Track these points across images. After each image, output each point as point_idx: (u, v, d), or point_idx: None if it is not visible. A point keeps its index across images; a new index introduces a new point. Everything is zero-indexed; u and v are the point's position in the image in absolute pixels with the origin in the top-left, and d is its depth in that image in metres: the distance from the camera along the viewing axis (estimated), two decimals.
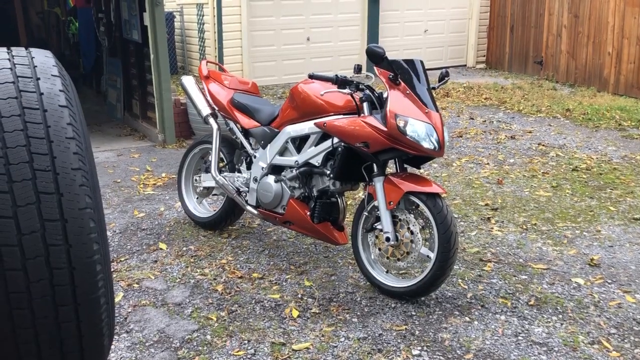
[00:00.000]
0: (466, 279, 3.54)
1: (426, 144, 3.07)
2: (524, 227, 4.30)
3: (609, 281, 3.52)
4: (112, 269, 3.62)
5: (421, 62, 3.31)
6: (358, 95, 3.29)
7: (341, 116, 3.33)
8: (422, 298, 3.28)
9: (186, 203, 4.30)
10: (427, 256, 3.15)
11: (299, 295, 3.31)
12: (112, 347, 2.82)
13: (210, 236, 4.12)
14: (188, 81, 4.20)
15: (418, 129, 3.07)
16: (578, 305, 3.25)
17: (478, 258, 3.81)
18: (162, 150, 6.29)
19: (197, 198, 4.31)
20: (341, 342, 2.89)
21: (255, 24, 10.71)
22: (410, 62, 3.28)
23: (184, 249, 3.91)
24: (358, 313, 3.16)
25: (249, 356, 2.77)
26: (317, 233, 3.53)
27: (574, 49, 9.95)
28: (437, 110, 3.18)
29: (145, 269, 3.62)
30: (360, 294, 3.35)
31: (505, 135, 6.90)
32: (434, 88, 3.41)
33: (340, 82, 3.25)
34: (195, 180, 4.23)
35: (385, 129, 3.08)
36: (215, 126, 3.99)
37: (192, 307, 3.18)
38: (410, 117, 3.07)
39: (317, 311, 3.16)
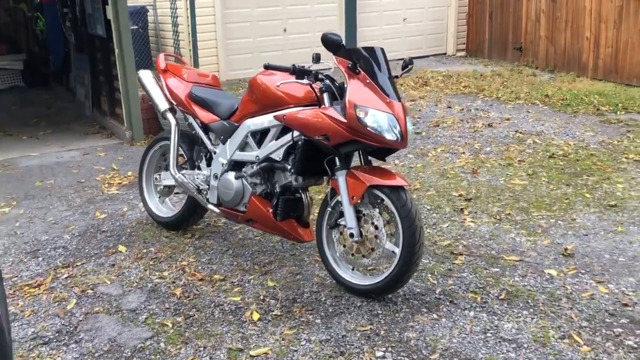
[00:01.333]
0: (436, 273, 3.41)
1: (388, 135, 2.94)
2: (498, 217, 4.18)
3: (583, 271, 3.41)
4: (68, 275, 3.45)
5: (382, 49, 3.17)
6: (318, 85, 3.14)
7: (301, 108, 3.18)
8: (389, 295, 3.15)
9: (148, 203, 4.14)
10: (393, 252, 3.02)
11: (261, 297, 3.17)
12: (59, 359, 2.67)
13: (172, 237, 3.96)
14: (145, 75, 4.03)
15: (379, 119, 2.93)
16: (550, 298, 3.14)
17: (449, 251, 3.69)
18: (129, 148, 6.11)
19: (159, 197, 4.15)
20: (302, 345, 2.76)
21: (230, 16, 10.50)
22: (371, 50, 3.14)
23: (144, 251, 3.75)
24: (322, 314, 3.02)
25: None
26: (280, 231, 3.39)
27: (553, 34, 9.84)
28: (400, 100, 3.04)
29: (102, 274, 3.46)
30: (326, 293, 3.21)
31: (483, 124, 6.77)
32: (396, 77, 3.27)
33: (298, 72, 3.10)
34: (156, 178, 4.07)
35: (344, 120, 2.94)
36: (173, 122, 3.84)
37: (147, 313, 3.03)
38: (370, 107, 2.93)
39: (279, 313, 3.02)
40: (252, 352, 2.69)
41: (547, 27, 9.95)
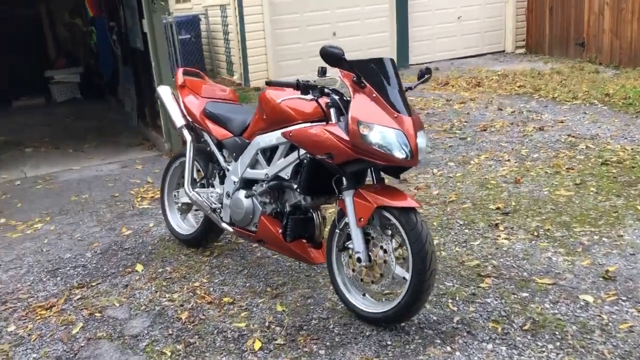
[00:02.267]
0: (457, 298, 3.16)
1: (396, 153, 2.72)
2: (535, 233, 3.86)
3: (624, 298, 3.07)
4: (80, 296, 3.44)
5: (392, 60, 2.95)
6: (324, 100, 2.96)
7: (309, 124, 3.01)
8: (402, 324, 2.93)
9: (169, 219, 4.09)
10: (404, 278, 2.81)
11: (267, 323, 3.03)
12: None
13: (191, 255, 3.89)
14: (164, 91, 3.99)
15: (385, 136, 2.72)
16: (581, 329, 2.83)
17: (476, 272, 3.42)
18: (167, 159, 6.11)
19: (181, 214, 4.09)
20: None
21: (279, 22, 10.47)
22: (379, 62, 2.93)
23: (160, 270, 3.69)
24: (327, 343, 2.85)
25: None
26: (290, 252, 3.23)
27: (618, 27, 9.20)
28: (411, 114, 2.82)
29: (113, 295, 3.42)
30: (335, 320, 3.03)
31: (534, 127, 6.38)
32: (409, 88, 3.06)
33: (303, 88, 2.93)
34: (174, 195, 4.01)
35: (348, 138, 2.76)
36: (189, 138, 3.77)
37: (149, 340, 2.95)
38: (375, 123, 2.72)
39: (282, 342, 2.86)
40: None
41: (612, 20, 9.32)
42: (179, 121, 3.81)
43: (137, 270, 3.71)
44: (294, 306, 3.19)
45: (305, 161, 3.02)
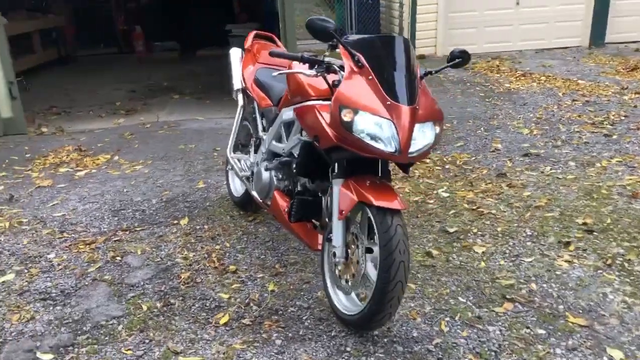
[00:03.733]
0: (456, 318, 2.76)
1: (380, 145, 2.42)
2: (609, 262, 3.19)
3: None
4: (118, 238, 3.70)
5: (405, 40, 2.59)
6: (333, 77, 2.72)
7: (321, 102, 2.81)
8: (376, 332, 2.66)
9: (229, 180, 4.18)
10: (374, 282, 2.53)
11: (247, 300, 2.97)
12: (37, 317, 2.89)
13: (236, 217, 3.94)
14: (234, 54, 4.03)
15: (370, 125, 2.42)
16: None
17: (502, 294, 2.95)
18: None
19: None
20: None
21: None
22: (388, 40, 2.61)
23: (197, 227, 3.81)
24: (289, 334, 2.70)
25: (134, 357, 2.58)
26: (293, 233, 3.10)
27: None
28: (412, 103, 2.46)
29: (143, 243, 3.62)
30: (313, 313, 2.86)
31: None
32: (429, 73, 2.68)
33: (307, 62, 2.72)
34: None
35: (329, 121, 2.52)
36: (240, 102, 3.77)
37: (138, 292, 3.07)
38: (360, 109, 2.43)
39: (248, 323, 2.78)
40: (181, 358, 2.55)
41: None
42: (236, 85, 3.83)
43: (180, 224, 3.87)
44: (286, 288, 3.07)
45: (302, 140, 2.84)
